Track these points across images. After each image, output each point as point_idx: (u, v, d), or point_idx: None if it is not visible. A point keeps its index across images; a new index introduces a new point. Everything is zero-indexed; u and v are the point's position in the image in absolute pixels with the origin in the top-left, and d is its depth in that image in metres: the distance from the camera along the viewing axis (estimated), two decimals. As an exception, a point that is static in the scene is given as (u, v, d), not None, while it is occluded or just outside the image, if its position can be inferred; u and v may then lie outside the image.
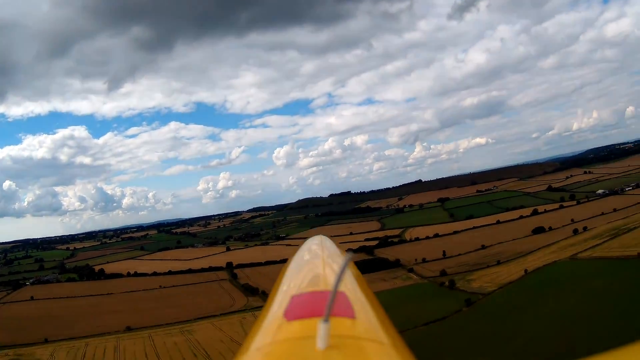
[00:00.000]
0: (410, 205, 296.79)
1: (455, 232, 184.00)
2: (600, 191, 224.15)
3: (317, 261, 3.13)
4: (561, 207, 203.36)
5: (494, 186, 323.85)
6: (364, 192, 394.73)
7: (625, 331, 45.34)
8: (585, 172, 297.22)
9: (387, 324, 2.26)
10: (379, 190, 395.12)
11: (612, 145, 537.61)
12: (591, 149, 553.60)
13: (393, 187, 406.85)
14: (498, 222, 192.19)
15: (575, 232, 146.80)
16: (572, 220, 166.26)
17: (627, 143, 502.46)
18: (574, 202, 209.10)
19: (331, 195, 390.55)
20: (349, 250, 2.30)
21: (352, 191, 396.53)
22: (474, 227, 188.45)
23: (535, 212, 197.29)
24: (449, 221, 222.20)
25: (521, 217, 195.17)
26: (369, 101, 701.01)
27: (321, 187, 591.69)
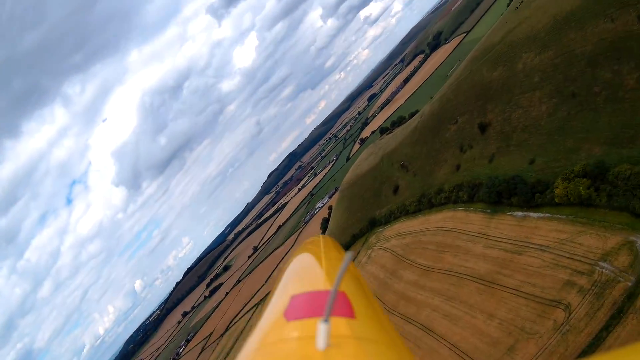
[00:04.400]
0: None
1: None
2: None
3: (317, 261, 3.02)
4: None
5: None
6: None
7: None
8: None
9: (387, 324, 2.23)
10: None
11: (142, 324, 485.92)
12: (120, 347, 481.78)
13: None
14: None
15: None
16: None
17: (153, 313, 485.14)
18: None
19: None
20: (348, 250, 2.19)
21: None
22: None
23: None
24: None
25: None
26: None
27: None
